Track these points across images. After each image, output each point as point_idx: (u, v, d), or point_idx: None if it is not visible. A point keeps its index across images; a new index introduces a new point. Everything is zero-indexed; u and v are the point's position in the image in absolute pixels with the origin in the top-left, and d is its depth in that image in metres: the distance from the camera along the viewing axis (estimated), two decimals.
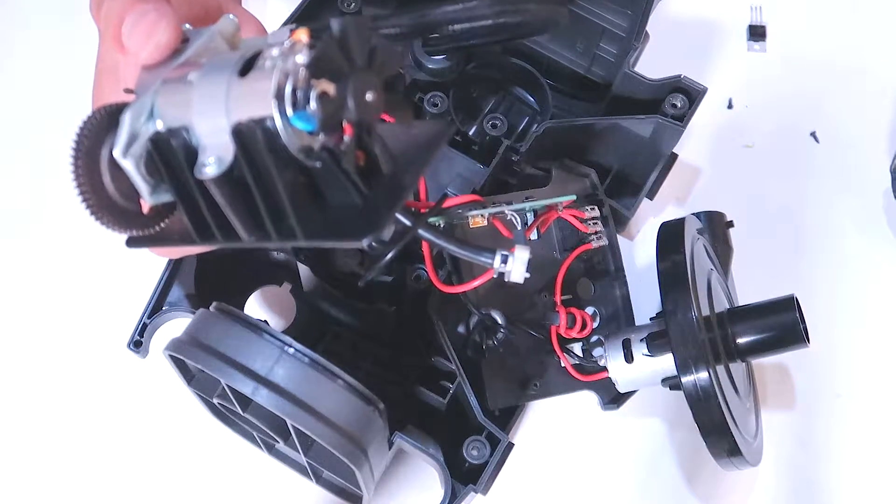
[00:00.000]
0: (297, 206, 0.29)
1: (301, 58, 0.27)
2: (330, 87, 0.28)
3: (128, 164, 0.31)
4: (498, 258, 0.36)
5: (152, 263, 0.51)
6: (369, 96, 0.28)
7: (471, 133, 0.56)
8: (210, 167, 0.29)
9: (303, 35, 0.28)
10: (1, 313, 0.58)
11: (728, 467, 0.45)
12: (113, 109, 0.31)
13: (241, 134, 0.28)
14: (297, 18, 0.56)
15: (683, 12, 0.69)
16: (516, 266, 0.36)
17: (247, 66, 0.29)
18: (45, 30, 0.68)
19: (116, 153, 0.31)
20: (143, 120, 0.31)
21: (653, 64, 0.57)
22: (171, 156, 0.31)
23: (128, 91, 0.33)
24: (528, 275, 0.36)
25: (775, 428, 0.55)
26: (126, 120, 0.31)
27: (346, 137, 0.29)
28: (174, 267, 0.52)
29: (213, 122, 0.29)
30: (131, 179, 0.31)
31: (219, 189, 0.30)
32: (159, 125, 0.31)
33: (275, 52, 0.28)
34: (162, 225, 0.33)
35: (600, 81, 0.58)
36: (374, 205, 0.30)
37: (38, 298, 0.59)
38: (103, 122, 0.31)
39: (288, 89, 0.27)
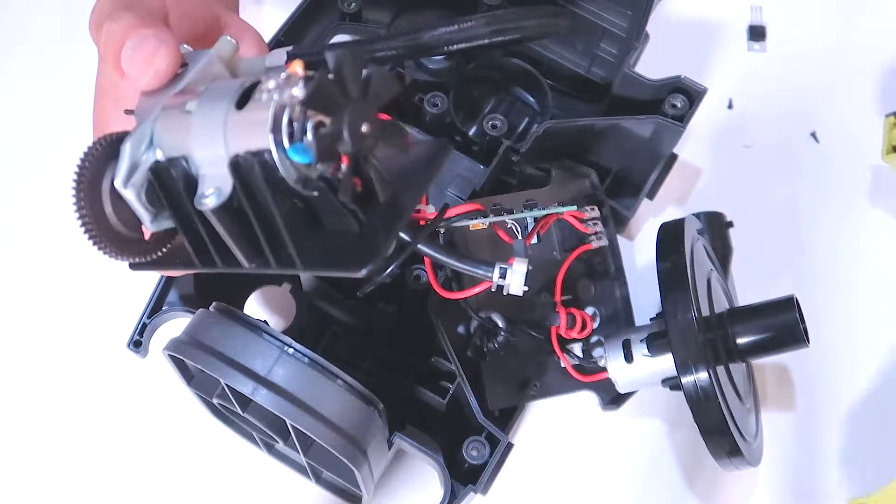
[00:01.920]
0: (295, 235, 0.30)
1: (297, 91, 0.27)
2: (325, 119, 0.28)
3: (129, 194, 0.31)
4: (496, 271, 0.36)
5: None
6: (365, 128, 0.29)
7: (471, 133, 0.56)
8: (210, 198, 0.29)
9: (298, 67, 0.28)
10: (1, 313, 0.58)
11: (728, 467, 0.45)
12: (113, 139, 0.32)
13: (239, 167, 0.29)
14: (296, 19, 0.56)
15: (683, 12, 0.69)
16: (515, 279, 0.36)
17: (244, 98, 0.29)
18: (44, 40, 0.68)
19: (118, 183, 0.31)
20: (143, 149, 0.31)
21: (653, 64, 0.57)
22: (171, 185, 0.31)
23: (128, 112, 0.34)
24: (526, 287, 0.36)
25: (775, 428, 0.55)
26: (126, 150, 0.31)
27: (343, 167, 0.29)
28: None
29: (211, 154, 0.29)
30: (133, 208, 0.32)
31: (218, 219, 0.30)
32: (159, 154, 0.31)
33: (271, 84, 0.28)
34: (163, 250, 0.34)
35: (600, 82, 0.58)
36: (372, 232, 0.30)
37: (39, 298, 0.59)
38: (104, 153, 0.31)
39: (284, 121, 0.28)
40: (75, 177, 0.31)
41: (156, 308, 0.51)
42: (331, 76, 0.28)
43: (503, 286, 0.37)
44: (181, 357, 0.43)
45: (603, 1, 0.54)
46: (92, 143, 0.31)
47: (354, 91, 0.29)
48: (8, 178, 0.63)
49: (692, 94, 0.52)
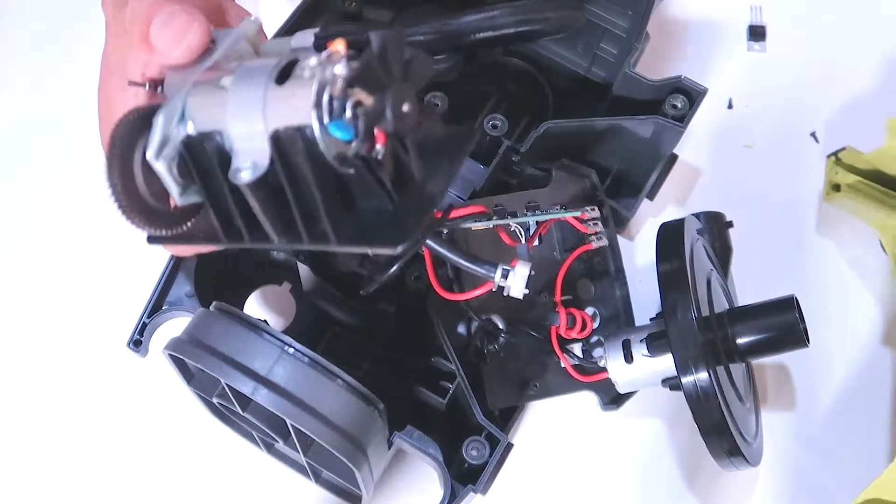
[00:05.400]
0: (331, 211, 0.30)
1: (340, 68, 0.28)
2: (364, 96, 0.28)
3: (160, 167, 0.32)
4: (499, 272, 0.37)
5: (153, 263, 0.51)
6: (406, 107, 0.29)
7: None
8: (245, 172, 0.30)
9: (340, 46, 0.29)
10: (1, 312, 0.58)
11: (728, 467, 0.45)
12: (146, 112, 0.32)
13: (280, 141, 0.29)
14: (296, 19, 0.55)
15: (683, 12, 0.69)
16: (516, 281, 0.37)
17: (283, 75, 0.30)
18: (47, 29, 0.68)
19: (149, 155, 0.31)
20: (174, 122, 0.31)
21: (653, 64, 0.57)
22: (203, 159, 0.31)
23: (132, 84, 0.34)
24: (527, 291, 0.37)
25: (775, 428, 0.55)
26: (159, 122, 0.31)
27: (379, 146, 0.29)
28: (174, 266, 0.52)
29: (249, 128, 0.30)
30: (162, 181, 0.32)
31: (253, 194, 0.30)
32: (191, 128, 0.31)
33: (313, 61, 0.29)
34: (188, 225, 0.34)
35: (601, 82, 0.58)
36: (405, 211, 0.30)
37: (39, 298, 0.59)
38: (136, 125, 0.32)
39: (325, 98, 0.28)
40: (107, 148, 0.31)
41: (156, 308, 0.51)
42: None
43: (504, 287, 0.37)
44: (181, 356, 0.43)
45: (603, 1, 0.54)
46: (124, 116, 0.32)
47: (397, 71, 0.29)
48: (8, 178, 0.63)
49: (692, 95, 0.52)
